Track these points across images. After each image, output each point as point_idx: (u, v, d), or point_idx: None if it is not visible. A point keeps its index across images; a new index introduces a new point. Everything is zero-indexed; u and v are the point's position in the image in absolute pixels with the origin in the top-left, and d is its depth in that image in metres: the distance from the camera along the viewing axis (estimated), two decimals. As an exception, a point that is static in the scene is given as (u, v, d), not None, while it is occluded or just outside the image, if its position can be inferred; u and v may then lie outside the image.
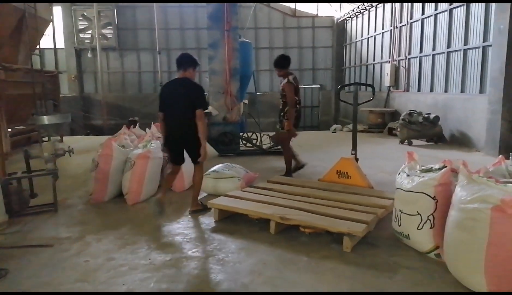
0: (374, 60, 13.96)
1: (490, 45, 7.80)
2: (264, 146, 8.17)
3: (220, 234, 3.61)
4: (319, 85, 17.87)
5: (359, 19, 15.36)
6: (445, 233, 2.76)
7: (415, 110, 9.45)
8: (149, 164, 4.67)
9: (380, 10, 13.45)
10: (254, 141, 8.17)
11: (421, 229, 3.02)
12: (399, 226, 3.21)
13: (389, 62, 12.41)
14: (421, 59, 10.77)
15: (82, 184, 5.42)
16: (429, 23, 10.32)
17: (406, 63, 11.52)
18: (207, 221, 3.98)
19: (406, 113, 9.36)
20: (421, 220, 3.01)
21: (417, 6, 10.94)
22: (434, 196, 2.94)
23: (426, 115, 9.22)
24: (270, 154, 7.94)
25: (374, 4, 13.74)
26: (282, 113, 5.57)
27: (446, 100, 9.40)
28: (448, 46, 9.39)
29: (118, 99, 17.26)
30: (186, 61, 4.19)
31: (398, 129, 9.28)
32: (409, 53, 11.40)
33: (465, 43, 8.72)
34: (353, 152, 5.06)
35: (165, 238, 3.53)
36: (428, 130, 9.16)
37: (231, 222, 3.90)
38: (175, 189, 5.16)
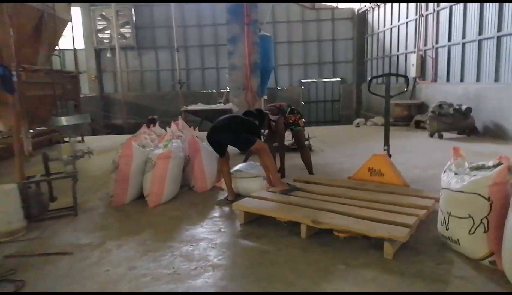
0: (398, 51, 13.44)
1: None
2: (286, 143, 7.88)
3: (247, 239, 3.37)
4: (339, 79, 17.42)
5: (381, 9, 14.83)
6: (504, 238, 2.43)
7: (445, 102, 8.97)
8: (170, 164, 4.47)
9: (403, -2, 12.91)
10: (276, 138, 7.89)
11: (473, 233, 2.69)
12: (447, 230, 2.89)
13: (414, 53, 11.90)
14: (449, 48, 10.24)
15: (102, 186, 5.28)
16: (458, 10, 9.78)
17: (434, 52, 11.00)
18: (233, 224, 3.75)
19: (436, 105, 8.89)
20: (473, 223, 2.68)
21: (445, -8, 10.40)
22: (489, 197, 2.61)
23: (457, 107, 8.72)
24: (292, 151, 7.65)
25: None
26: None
27: (478, 91, 8.88)
28: (480, 33, 8.86)
29: (137, 98, 17.30)
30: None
31: (428, 122, 8.84)
32: (437, 42, 10.87)
33: (499, 29, 8.18)
34: (386, 147, 4.72)
35: (189, 243, 3.32)
36: (460, 123, 8.68)
37: (258, 225, 3.65)
38: (197, 189, 4.96)
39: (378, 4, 14.75)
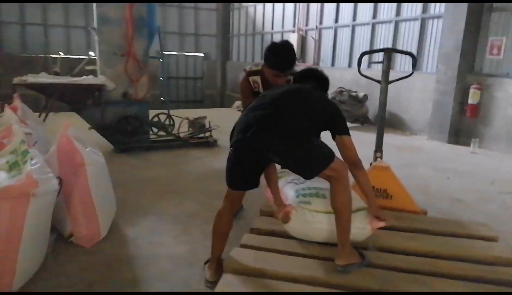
0: (272, 28, 12.51)
1: (431, 18, 7.14)
2: (182, 135, 5.83)
3: None
4: (203, 54, 15.58)
5: (251, -20, 13.59)
6: None
7: (344, 88, 8.40)
8: (32, 209, 2.03)
9: (280, -30, 11.90)
10: (169, 128, 5.72)
11: None
12: None
13: (294, 32, 11.12)
14: (336, 30, 9.75)
15: None
16: (346, -11, 9.28)
17: (317, 34, 10.39)
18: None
19: (336, 91, 8.22)
20: None
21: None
22: None
23: (354, 94, 8.28)
24: (193, 145, 5.69)
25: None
26: None
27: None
28: (374, 16, 8.51)
29: None
30: None
31: (329, 110, 8.12)
32: (321, 23, 10.27)
33: (398, 14, 7.92)
34: (379, 154, 3.36)
35: None
36: (357, 111, 8.26)
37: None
38: (81, 242, 2.63)
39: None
